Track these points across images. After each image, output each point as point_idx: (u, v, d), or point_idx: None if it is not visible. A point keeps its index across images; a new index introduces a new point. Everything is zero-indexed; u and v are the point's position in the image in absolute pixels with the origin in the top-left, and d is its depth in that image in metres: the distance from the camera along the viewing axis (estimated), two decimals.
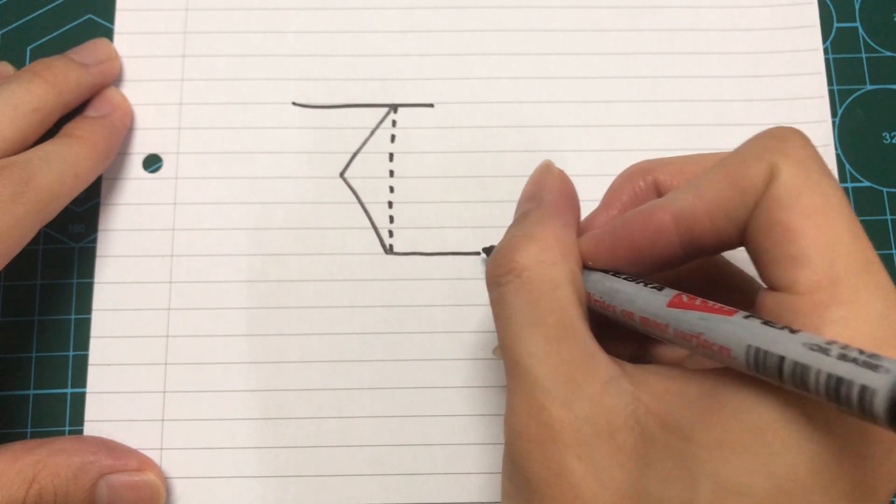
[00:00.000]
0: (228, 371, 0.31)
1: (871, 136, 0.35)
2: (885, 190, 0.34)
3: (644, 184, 0.25)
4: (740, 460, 0.18)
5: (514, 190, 0.33)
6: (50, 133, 0.30)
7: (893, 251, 0.34)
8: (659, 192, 0.25)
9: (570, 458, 0.20)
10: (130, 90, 0.34)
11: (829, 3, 0.36)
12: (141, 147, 0.33)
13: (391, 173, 0.33)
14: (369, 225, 0.33)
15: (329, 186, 0.33)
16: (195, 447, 0.31)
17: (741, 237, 0.21)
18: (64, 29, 0.35)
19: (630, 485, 0.20)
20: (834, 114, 0.35)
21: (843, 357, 0.17)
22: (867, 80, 0.35)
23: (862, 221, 0.33)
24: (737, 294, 0.25)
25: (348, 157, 0.34)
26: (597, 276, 0.23)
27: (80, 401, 0.31)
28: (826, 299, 0.18)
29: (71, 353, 0.32)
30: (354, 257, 0.33)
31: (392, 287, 0.32)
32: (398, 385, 0.31)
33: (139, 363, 0.32)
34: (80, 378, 0.31)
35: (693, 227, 0.21)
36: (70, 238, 0.33)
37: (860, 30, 0.36)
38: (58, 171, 0.29)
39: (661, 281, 0.24)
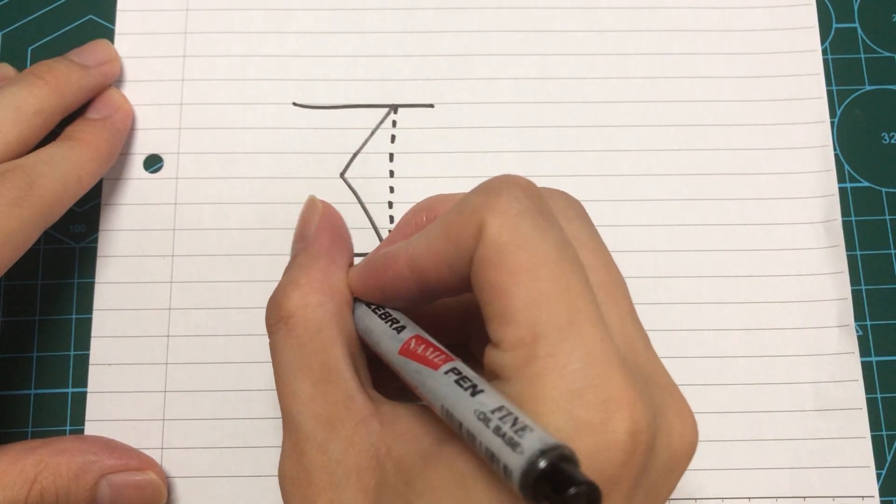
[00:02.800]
0: (229, 370, 0.32)
1: (869, 136, 0.35)
2: (883, 190, 0.34)
3: (426, 218, 0.25)
4: None
5: None
6: (51, 135, 0.30)
7: (892, 251, 0.34)
8: None
9: (322, 500, 0.21)
10: (131, 90, 0.34)
11: (827, 3, 0.36)
12: (142, 147, 0.34)
13: (391, 173, 0.34)
14: (370, 225, 0.33)
15: (329, 187, 0.33)
16: (196, 447, 0.31)
17: (468, 286, 0.21)
18: (65, 30, 0.35)
19: None
20: (833, 114, 0.35)
21: (497, 430, 0.17)
22: (866, 80, 0.35)
23: (860, 222, 0.34)
24: None
25: (349, 157, 0.34)
26: (361, 312, 0.24)
27: (81, 400, 0.31)
28: (526, 356, 0.18)
29: (72, 353, 0.32)
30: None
31: None
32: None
33: (140, 363, 0.32)
34: (81, 378, 0.31)
35: (422, 273, 0.22)
36: (71, 238, 0.33)
37: (859, 30, 0.36)
38: (61, 174, 0.29)
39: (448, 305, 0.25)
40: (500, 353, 0.19)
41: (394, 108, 0.34)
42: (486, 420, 0.17)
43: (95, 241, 0.33)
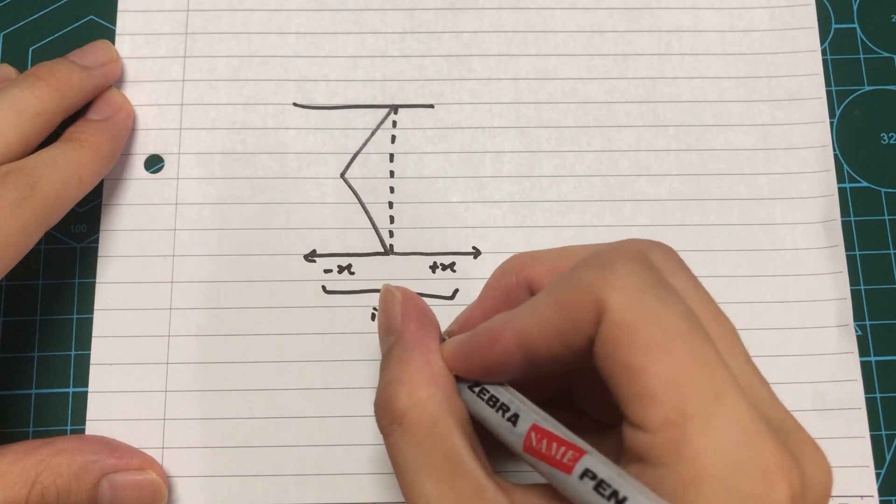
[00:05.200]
0: (230, 370, 0.32)
1: (869, 136, 0.35)
2: (882, 190, 0.34)
3: (517, 280, 0.24)
4: None
5: (514, 191, 0.33)
6: (53, 136, 0.30)
7: (892, 251, 0.34)
8: (531, 288, 0.24)
9: None
10: (132, 91, 0.34)
11: (827, 4, 0.36)
12: (142, 147, 0.34)
13: (391, 174, 0.34)
14: (370, 225, 0.33)
15: (330, 187, 0.33)
16: (197, 446, 0.31)
17: (584, 362, 0.20)
18: (66, 30, 0.35)
19: None
20: (832, 114, 0.35)
21: None
22: (865, 80, 0.35)
23: (860, 222, 0.34)
24: None
25: (349, 157, 0.34)
26: (467, 397, 0.23)
27: (81, 400, 0.31)
28: (678, 436, 0.18)
29: (73, 353, 0.32)
30: (355, 257, 0.33)
31: None
32: None
33: (141, 363, 0.32)
34: (82, 377, 0.32)
35: (533, 350, 0.21)
36: (72, 238, 0.33)
37: (858, 31, 0.36)
38: (63, 175, 0.28)
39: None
40: (645, 434, 0.18)
41: (394, 108, 0.34)
42: None
43: (96, 241, 0.33)
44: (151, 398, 0.31)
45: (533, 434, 0.21)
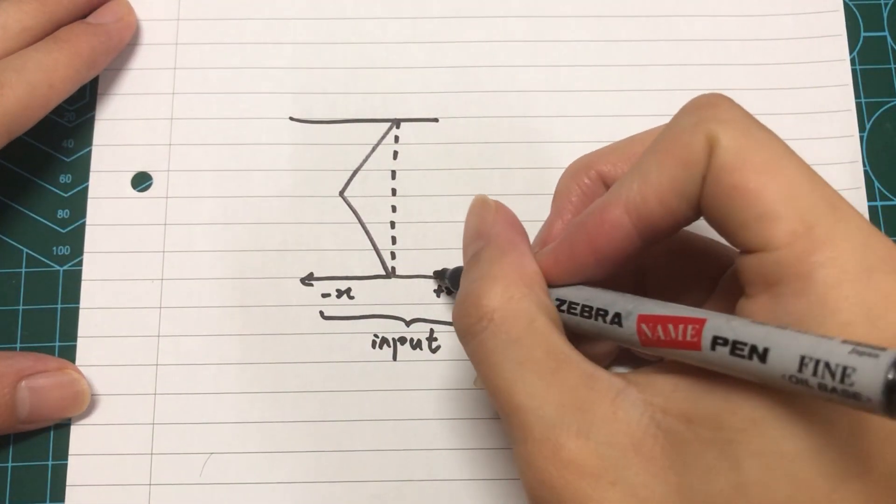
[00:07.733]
0: (221, 402, 0.31)
1: None
2: None
3: (589, 179, 0.25)
4: (779, 430, 0.18)
5: (524, 209, 0.32)
6: None
7: None
8: (606, 184, 0.25)
9: (602, 488, 0.20)
10: (118, 104, 0.33)
11: (855, 11, 0.35)
12: (129, 164, 0.33)
13: (393, 192, 0.33)
14: (370, 246, 0.32)
15: (328, 206, 0.33)
16: (186, 482, 0.30)
17: (696, 211, 0.21)
18: None
19: (673, 491, 0.20)
20: (862, 128, 0.34)
21: (818, 375, 0.17)
22: None
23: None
24: (709, 259, 0.25)
25: (348, 174, 0.33)
26: (562, 317, 0.24)
27: (64, 437, 0.30)
28: (807, 246, 0.19)
29: None
30: (355, 281, 0.32)
31: (394, 311, 0.32)
32: (401, 417, 0.31)
33: (127, 393, 0.31)
34: None
35: (646, 213, 0.21)
36: (54, 261, 0.32)
37: (889, 39, 0.35)
38: (30, 81, 0.29)
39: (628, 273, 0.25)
40: (771, 253, 0.19)
41: (396, 122, 0.34)
42: (803, 382, 0.17)
43: (80, 263, 0.32)
44: (138, 431, 0.30)
45: (644, 326, 0.21)
